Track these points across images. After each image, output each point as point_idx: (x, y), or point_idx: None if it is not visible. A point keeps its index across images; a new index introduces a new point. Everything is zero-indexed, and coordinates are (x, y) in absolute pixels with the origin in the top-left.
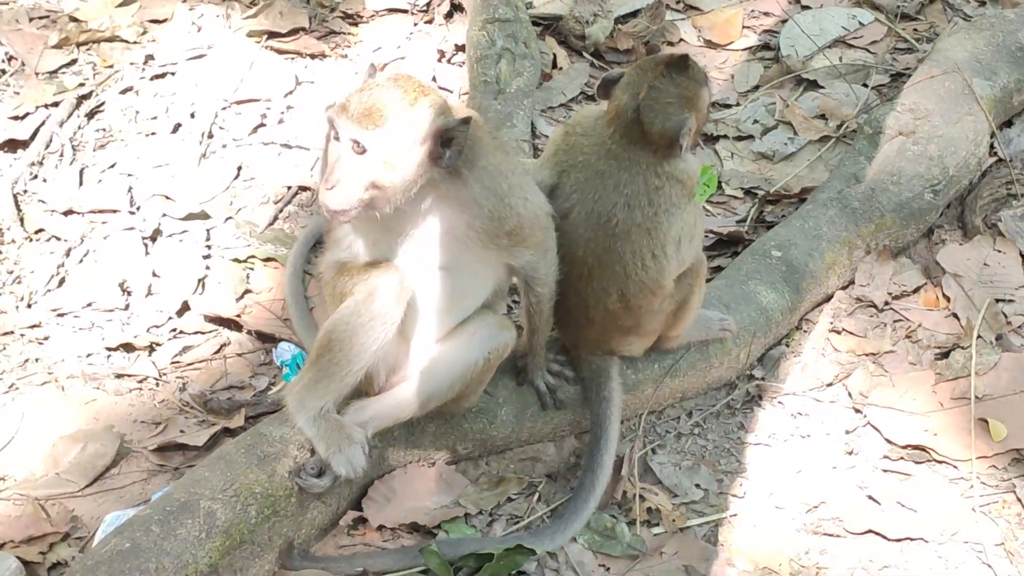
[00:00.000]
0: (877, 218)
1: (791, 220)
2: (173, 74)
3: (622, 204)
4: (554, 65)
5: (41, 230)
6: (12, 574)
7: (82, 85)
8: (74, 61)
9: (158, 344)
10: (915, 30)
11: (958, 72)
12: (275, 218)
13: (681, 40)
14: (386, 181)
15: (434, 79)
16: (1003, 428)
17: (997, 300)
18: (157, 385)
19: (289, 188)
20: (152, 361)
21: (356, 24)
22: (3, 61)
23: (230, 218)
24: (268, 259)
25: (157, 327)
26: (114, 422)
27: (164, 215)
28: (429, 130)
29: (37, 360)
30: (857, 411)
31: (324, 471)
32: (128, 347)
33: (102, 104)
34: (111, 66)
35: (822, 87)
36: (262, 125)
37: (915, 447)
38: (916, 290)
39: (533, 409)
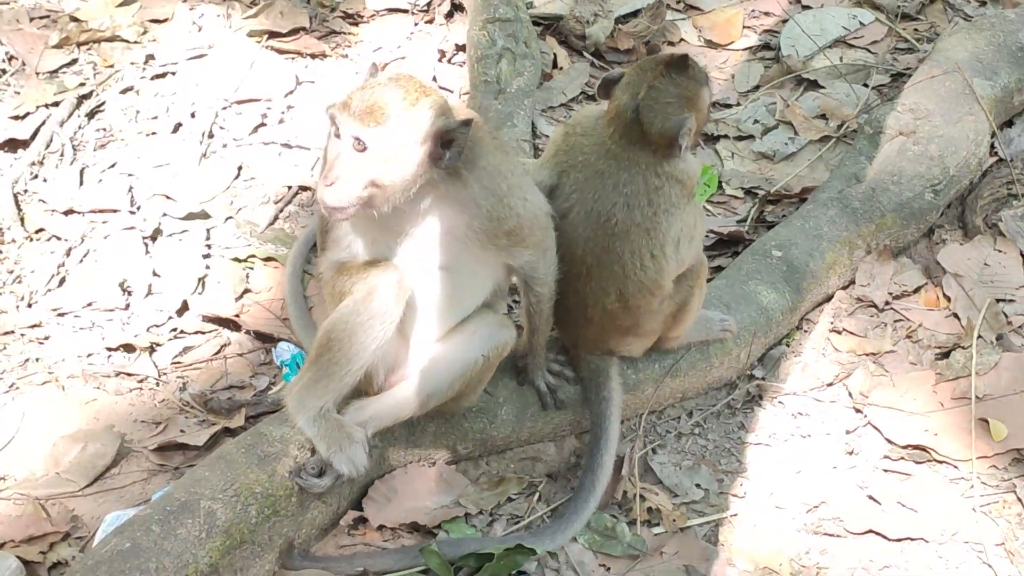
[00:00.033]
0: (878, 218)
1: (792, 220)
2: (174, 74)
3: (621, 204)
4: (555, 65)
5: (41, 230)
6: (12, 574)
7: (83, 85)
8: (75, 61)
9: (158, 344)
10: (916, 30)
11: (959, 72)
12: (275, 218)
13: (682, 40)
14: (385, 180)
15: (434, 79)
16: (1003, 428)
17: (998, 300)
18: (157, 385)
19: (289, 188)
20: (152, 361)
21: (356, 24)
22: (4, 61)
23: (230, 218)
24: (268, 259)
25: (157, 327)
26: (114, 422)
27: (164, 215)
28: (430, 130)
29: (37, 360)
30: (857, 411)
31: (325, 471)
32: (128, 347)
33: (102, 104)
34: (111, 66)
35: (823, 87)
36: (262, 125)
37: (915, 447)
38: (917, 290)
39: (533, 409)
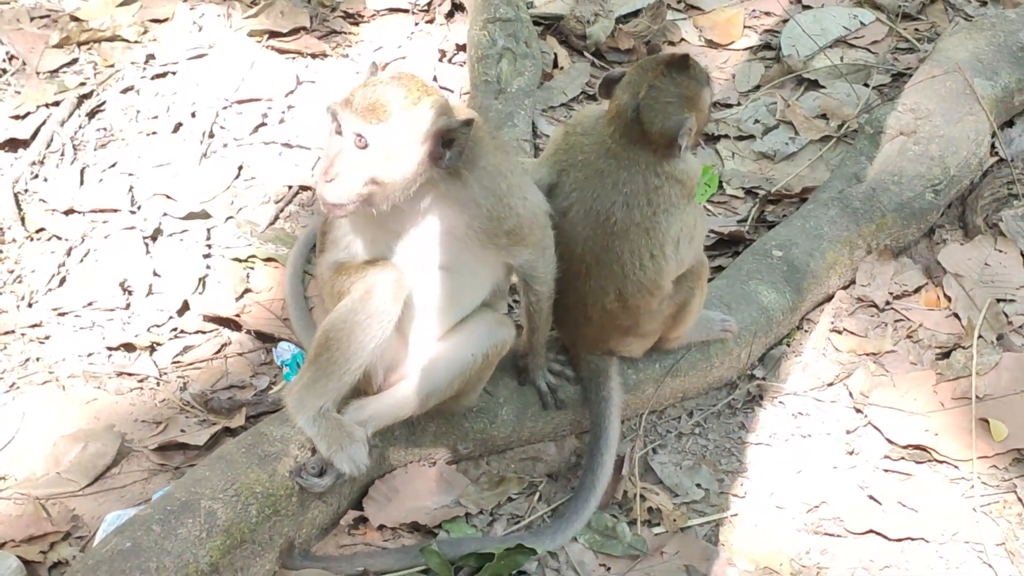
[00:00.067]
0: (878, 218)
1: (792, 220)
2: (174, 73)
3: (621, 203)
4: (555, 65)
5: (42, 229)
6: (13, 573)
7: (83, 84)
8: (75, 60)
9: (159, 343)
10: (916, 30)
11: (959, 72)
12: (276, 218)
13: (682, 40)
14: (386, 177)
15: (435, 79)
16: (1004, 428)
17: (998, 300)
18: (158, 384)
19: (290, 188)
20: (153, 360)
21: (357, 24)
22: (4, 60)
23: (231, 217)
24: (268, 259)
25: (158, 326)
26: (115, 421)
27: (165, 214)
28: (431, 129)
29: (38, 359)
30: (858, 411)
31: (325, 470)
32: (129, 346)
33: (103, 103)
34: (112, 65)
35: (823, 87)
36: (263, 124)
37: (916, 447)
38: (917, 290)
39: (534, 409)
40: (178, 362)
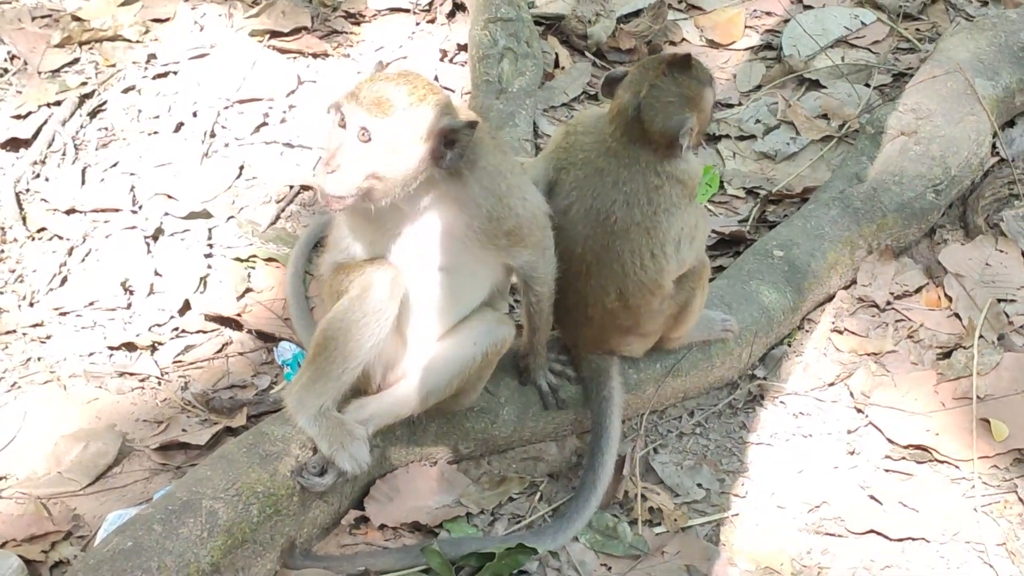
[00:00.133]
0: (879, 218)
1: (793, 220)
2: (175, 73)
3: (621, 202)
4: (556, 64)
5: (43, 229)
6: (14, 573)
7: (84, 84)
8: (76, 60)
9: (160, 343)
10: (917, 30)
11: (960, 72)
12: (277, 217)
13: (683, 40)
14: (387, 172)
15: (436, 78)
16: (1005, 428)
17: (999, 300)
18: (159, 384)
19: (291, 187)
20: (154, 360)
21: (358, 23)
22: (6, 60)
23: (232, 217)
24: (270, 259)
25: (159, 326)
26: (116, 421)
27: (166, 214)
28: (434, 128)
29: (39, 359)
30: (859, 411)
31: (326, 469)
32: (130, 346)
33: (104, 103)
34: (113, 65)
35: (824, 87)
36: (264, 124)
37: (917, 447)
38: (918, 290)
39: (535, 408)
40: (179, 362)
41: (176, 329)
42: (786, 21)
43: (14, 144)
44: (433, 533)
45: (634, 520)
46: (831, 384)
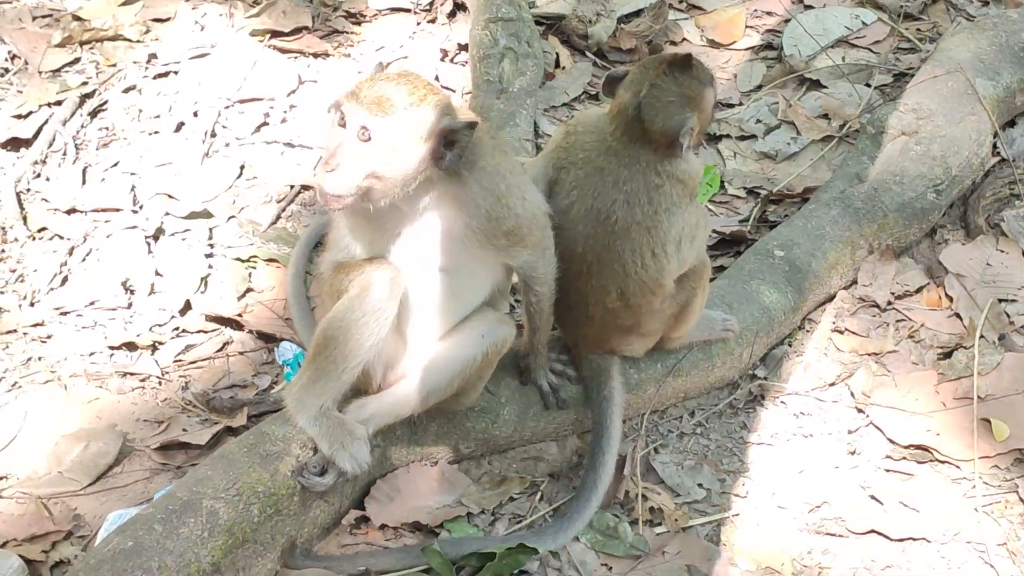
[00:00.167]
0: (880, 218)
1: (794, 220)
2: (176, 73)
3: (622, 201)
4: (557, 64)
5: (44, 229)
6: (15, 572)
7: (85, 84)
8: (77, 60)
9: (161, 343)
10: (918, 30)
11: (961, 72)
12: (278, 217)
13: (684, 40)
14: (386, 172)
15: (437, 78)
16: (1005, 428)
17: (1000, 300)
18: (160, 384)
19: (292, 187)
20: (155, 360)
21: (359, 23)
22: (6, 60)
23: (233, 217)
24: (270, 258)
25: (160, 326)
26: (117, 421)
27: (167, 214)
28: (434, 128)
29: (40, 359)
30: (859, 411)
31: (327, 469)
32: (131, 346)
33: (105, 103)
34: (114, 65)
35: (825, 87)
36: (265, 124)
37: (917, 447)
38: (919, 290)
39: (536, 408)
40: (180, 361)
41: (177, 329)
42: (787, 21)
43: (15, 144)
44: (434, 533)
45: (635, 520)
46: (832, 384)
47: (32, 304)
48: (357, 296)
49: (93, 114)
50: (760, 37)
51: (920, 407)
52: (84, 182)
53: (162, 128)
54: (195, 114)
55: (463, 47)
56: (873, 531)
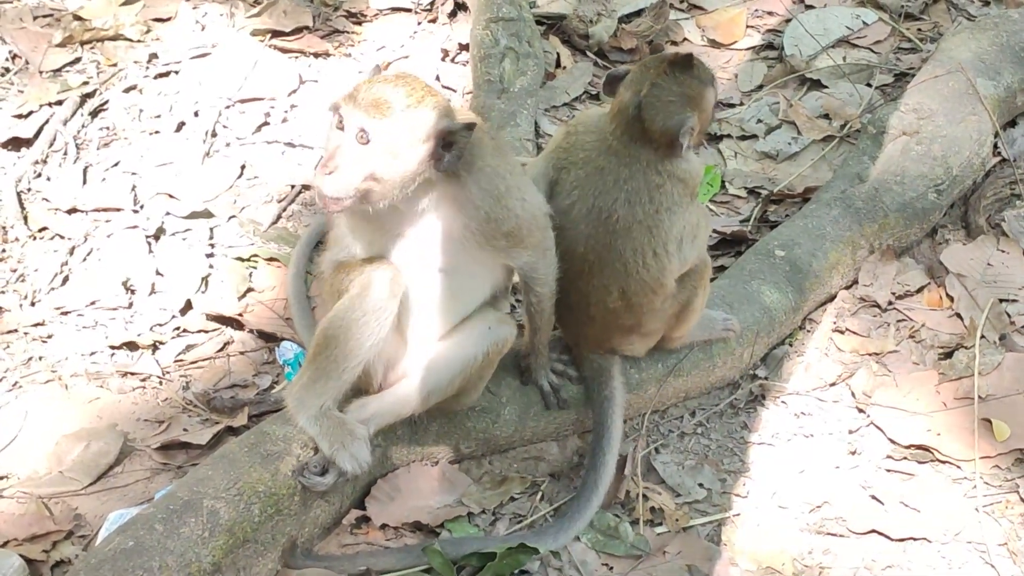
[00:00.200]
0: (881, 218)
1: (795, 220)
2: (177, 73)
3: (622, 200)
4: (558, 64)
5: (45, 228)
6: (15, 572)
7: (86, 83)
8: (78, 59)
9: (161, 342)
10: (919, 30)
11: (962, 72)
12: (278, 217)
13: (685, 39)
14: (385, 174)
15: (437, 78)
16: (1006, 428)
17: (1001, 300)
18: (160, 383)
19: (292, 187)
20: (155, 359)
21: (360, 23)
22: (7, 59)
23: (233, 217)
24: (271, 258)
25: (160, 325)
26: (117, 420)
27: (168, 214)
28: (433, 130)
29: (41, 358)
30: (860, 411)
31: (327, 469)
32: (131, 345)
33: (106, 102)
34: (115, 64)
35: (826, 87)
36: (266, 124)
37: (918, 447)
38: (920, 290)
39: (536, 408)
40: (181, 361)
41: (177, 328)
42: (788, 21)
43: (16, 143)
44: (434, 533)
45: (636, 520)
46: (832, 384)
47: (33, 304)
48: (358, 295)
49: (94, 114)
50: (761, 37)
51: (921, 407)
52: (85, 182)
53: (163, 128)
54: (196, 114)
55: (464, 47)
56: (874, 531)
